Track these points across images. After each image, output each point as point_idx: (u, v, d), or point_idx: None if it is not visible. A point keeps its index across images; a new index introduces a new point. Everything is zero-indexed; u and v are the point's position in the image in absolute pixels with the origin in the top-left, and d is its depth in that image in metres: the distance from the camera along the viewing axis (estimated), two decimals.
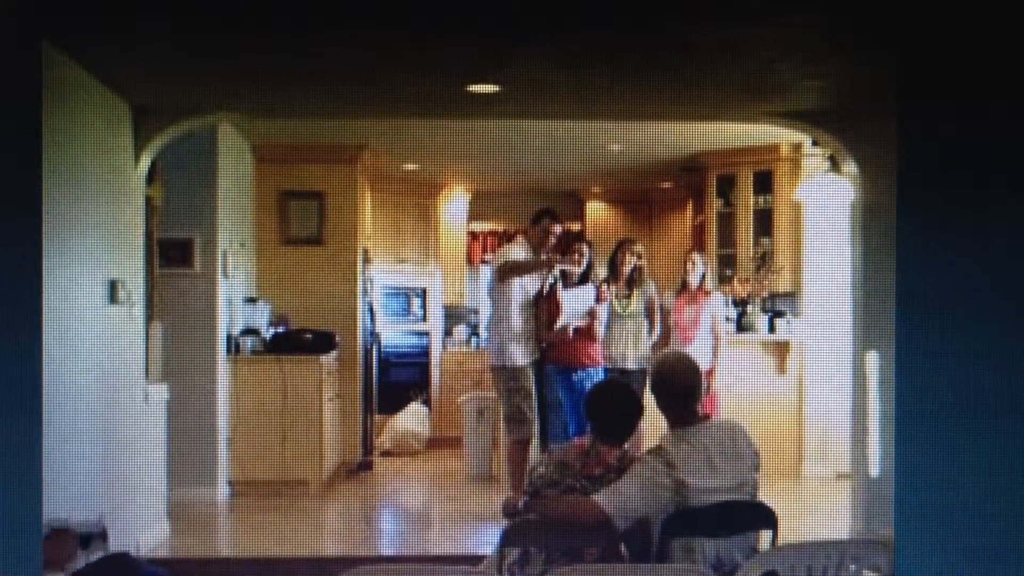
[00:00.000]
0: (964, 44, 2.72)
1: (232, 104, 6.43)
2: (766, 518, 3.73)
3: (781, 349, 8.85)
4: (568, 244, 7.22)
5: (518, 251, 7.08)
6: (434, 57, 5.22)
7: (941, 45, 2.73)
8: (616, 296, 7.26)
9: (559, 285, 6.98)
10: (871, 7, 4.24)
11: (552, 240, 7.07)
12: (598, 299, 7.01)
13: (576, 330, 6.94)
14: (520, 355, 6.92)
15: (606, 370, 7.06)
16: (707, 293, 7.77)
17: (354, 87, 5.95)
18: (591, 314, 6.96)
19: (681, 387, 3.87)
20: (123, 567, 4.43)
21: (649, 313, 7.41)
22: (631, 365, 7.22)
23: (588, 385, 6.39)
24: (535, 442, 6.98)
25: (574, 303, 6.95)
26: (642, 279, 7.40)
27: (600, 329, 7.02)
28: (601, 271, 7.44)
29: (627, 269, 7.34)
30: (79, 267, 5.22)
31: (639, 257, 7.39)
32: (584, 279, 7.05)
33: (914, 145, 2.75)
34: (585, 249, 7.12)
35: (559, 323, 6.90)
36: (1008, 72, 2.70)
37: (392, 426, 10.41)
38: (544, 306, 6.98)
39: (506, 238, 11.39)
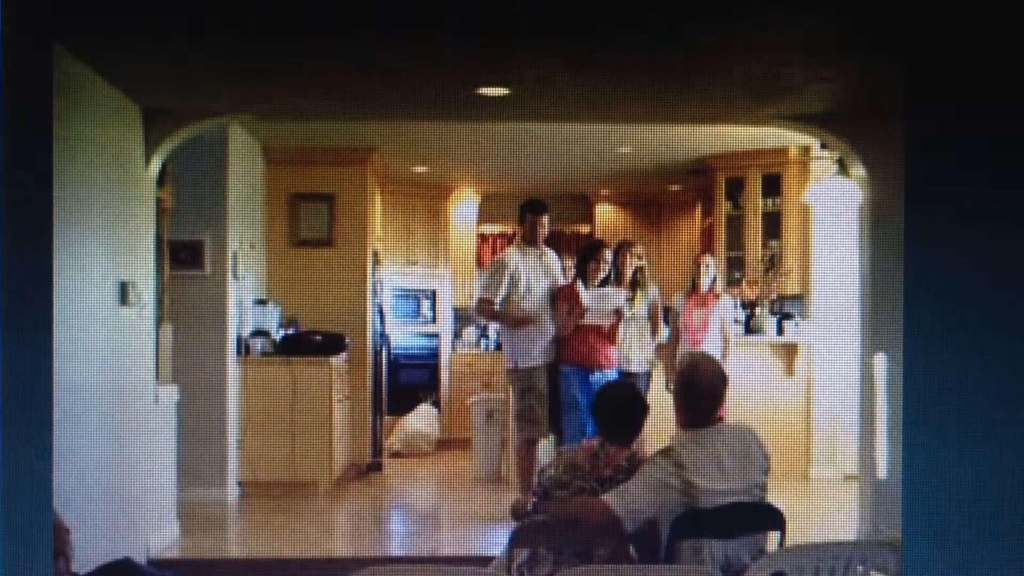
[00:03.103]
0: (972, 46, 2.73)
1: (242, 106, 6.45)
2: (774, 519, 3.73)
3: (789, 351, 8.84)
4: (592, 251, 7.20)
5: (509, 261, 7.00)
6: (444, 60, 5.23)
7: (949, 47, 2.73)
8: None
9: (579, 284, 6.98)
10: (878, 10, 4.24)
11: (542, 232, 7.04)
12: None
13: (596, 329, 6.92)
14: (534, 356, 6.90)
15: (620, 372, 7.05)
16: (716, 296, 7.76)
17: (364, 89, 5.96)
18: (618, 313, 6.96)
19: (707, 391, 3.86)
20: (126, 573, 4.42)
21: (651, 315, 7.40)
22: (636, 368, 7.21)
23: None
24: (550, 443, 6.97)
25: (598, 301, 6.94)
26: (644, 281, 7.39)
27: (619, 332, 7.04)
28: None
29: (629, 271, 7.33)
30: (90, 269, 5.25)
31: (640, 259, 7.37)
32: (604, 285, 7.07)
33: (921, 148, 2.75)
34: (607, 255, 7.13)
35: (584, 319, 6.87)
36: (1016, 75, 2.71)
37: (401, 427, 10.43)
38: (563, 301, 6.93)
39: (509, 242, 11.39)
